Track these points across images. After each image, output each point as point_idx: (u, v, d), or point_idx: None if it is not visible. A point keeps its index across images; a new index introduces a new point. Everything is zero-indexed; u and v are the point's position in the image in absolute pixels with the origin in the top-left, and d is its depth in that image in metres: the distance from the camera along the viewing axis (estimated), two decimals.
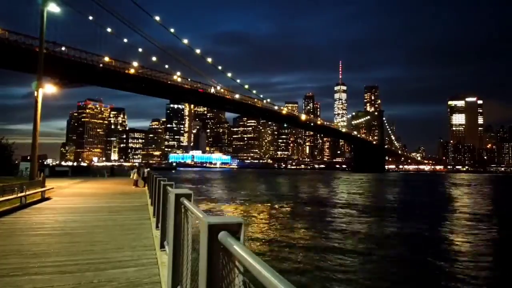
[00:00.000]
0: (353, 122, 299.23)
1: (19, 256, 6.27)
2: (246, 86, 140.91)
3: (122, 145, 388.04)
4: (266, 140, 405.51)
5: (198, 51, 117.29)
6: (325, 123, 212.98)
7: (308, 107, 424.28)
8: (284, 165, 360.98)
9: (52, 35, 72.04)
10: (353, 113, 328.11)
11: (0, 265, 5.68)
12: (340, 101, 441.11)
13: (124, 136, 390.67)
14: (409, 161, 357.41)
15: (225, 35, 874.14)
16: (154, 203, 10.76)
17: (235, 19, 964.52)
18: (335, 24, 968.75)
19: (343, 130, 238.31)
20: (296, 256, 14.57)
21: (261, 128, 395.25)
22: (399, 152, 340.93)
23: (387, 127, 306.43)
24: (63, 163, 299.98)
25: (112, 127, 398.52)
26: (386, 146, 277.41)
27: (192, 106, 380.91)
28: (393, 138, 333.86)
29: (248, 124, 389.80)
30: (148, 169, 25.30)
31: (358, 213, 29.29)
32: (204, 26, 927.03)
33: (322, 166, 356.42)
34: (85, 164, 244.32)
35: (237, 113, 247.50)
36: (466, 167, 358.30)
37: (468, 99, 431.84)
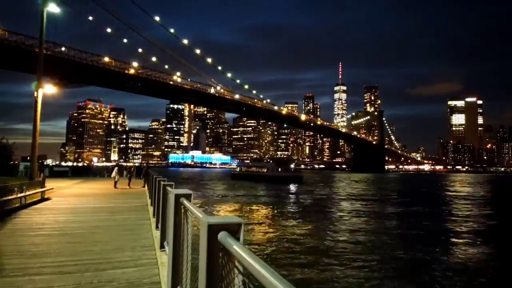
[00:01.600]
0: (353, 122, 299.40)
1: (19, 256, 6.26)
2: (246, 86, 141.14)
3: (122, 146, 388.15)
4: (266, 140, 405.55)
5: (198, 51, 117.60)
6: (325, 123, 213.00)
7: (308, 107, 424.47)
8: None
9: (52, 36, 72.13)
10: (353, 113, 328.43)
11: (0, 265, 5.67)
12: (340, 101, 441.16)
13: (124, 136, 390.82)
14: (409, 161, 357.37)
15: (259, 28, 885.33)
16: (154, 204, 10.76)
17: (272, 10, 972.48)
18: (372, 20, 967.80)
19: (343, 130, 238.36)
20: (296, 256, 14.56)
21: (261, 128, 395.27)
22: (399, 152, 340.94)
23: (387, 127, 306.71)
24: (63, 163, 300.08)
25: (112, 127, 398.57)
26: (386, 146, 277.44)
27: (192, 106, 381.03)
28: (393, 138, 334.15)
29: (248, 124, 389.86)
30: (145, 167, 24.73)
31: (357, 211, 29.30)
32: (241, 16, 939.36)
33: (322, 166, 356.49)
34: (82, 165, 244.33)
35: (237, 113, 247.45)
36: (466, 167, 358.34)
37: (468, 99, 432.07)
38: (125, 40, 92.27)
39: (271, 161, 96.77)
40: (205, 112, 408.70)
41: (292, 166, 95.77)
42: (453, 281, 12.31)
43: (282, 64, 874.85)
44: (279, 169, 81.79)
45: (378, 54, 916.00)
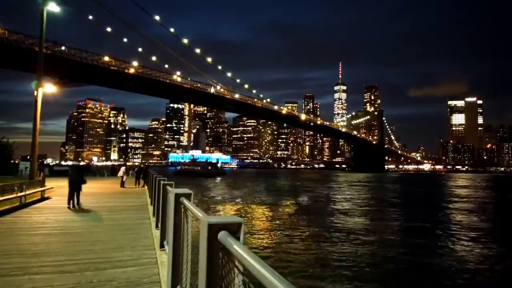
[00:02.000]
0: (353, 122, 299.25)
1: (19, 255, 6.27)
2: (246, 86, 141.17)
3: (122, 145, 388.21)
4: (266, 140, 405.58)
5: (198, 50, 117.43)
6: (325, 122, 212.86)
7: (308, 106, 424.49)
8: (284, 165, 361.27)
9: (52, 35, 72.11)
10: (353, 113, 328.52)
11: (0, 264, 5.68)
12: (340, 101, 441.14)
13: (124, 136, 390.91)
14: (409, 161, 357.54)
15: (267, 25, 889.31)
16: (154, 203, 10.77)
17: (280, 7, 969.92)
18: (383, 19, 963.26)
19: (343, 130, 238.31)
20: (297, 256, 14.57)
21: (261, 127, 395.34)
22: (399, 152, 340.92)
23: (387, 127, 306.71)
24: (63, 162, 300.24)
25: (112, 126, 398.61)
26: (386, 146, 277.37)
27: (192, 105, 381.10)
28: (393, 138, 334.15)
29: (248, 124, 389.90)
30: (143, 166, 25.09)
31: (357, 211, 29.31)
32: (248, 14, 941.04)
33: (322, 165, 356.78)
34: (83, 163, 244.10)
35: (237, 113, 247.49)
36: (466, 167, 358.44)
37: (467, 99, 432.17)
38: (125, 40, 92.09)
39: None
40: (205, 112, 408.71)
41: (219, 165, 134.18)
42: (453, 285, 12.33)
43: (289, 63, 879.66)
44: (209, 167, 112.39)
45: (378, 54, 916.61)
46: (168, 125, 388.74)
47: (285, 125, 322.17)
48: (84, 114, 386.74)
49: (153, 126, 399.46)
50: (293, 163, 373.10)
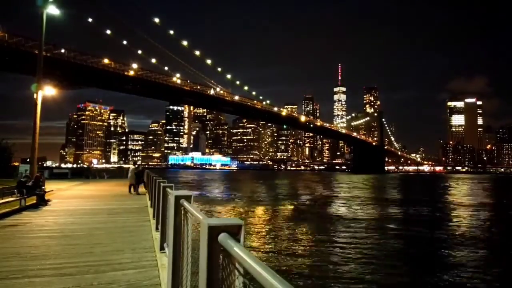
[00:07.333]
0: (352, 123, 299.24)
1: (19, 258, 6.25)
2: (246, 88, 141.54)
3: (121, 147, 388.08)
4: (265, 142, 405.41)
5: (197, 52, 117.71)
6: (325, 124, 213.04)
7: (308, 108, 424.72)
8: (284, 167, 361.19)
9: (52, 38, 72.16)
10: (353, 114, 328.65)
11: None
12: (340, 102, 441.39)
13: (124, 138, 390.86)
14: (408, 162, 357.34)
15: None
16: (154, 205, 10.74)
17: None
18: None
19: (343, 131, 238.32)
20: (298, 258, 14.54)
21: (260, 129, 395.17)
22: (399, 153, 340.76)
23: (387, 128, 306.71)
24: (62, 165, 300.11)
25: (112, 129, 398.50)
26: (385, 147, 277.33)
27: (191, 107, 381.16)
28: (393, 139, 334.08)
29: (247, 126, 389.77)
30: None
31: (357, 211, 29.26)
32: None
33: (322, 167, 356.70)
34: (81, 166, 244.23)
35: (237, 115, 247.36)
36: (466, 168, 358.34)
37: (467, 100, 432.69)
38: (124, 42, 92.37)
39: None
40: (205, 114, 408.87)
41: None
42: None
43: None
44: None
45: (378, 54, 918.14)
46: (168, 127, 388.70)
47: (285, 126, 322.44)
48: (84, 117, 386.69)
49: (152, 128, 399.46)
50: (293, 165, 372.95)
